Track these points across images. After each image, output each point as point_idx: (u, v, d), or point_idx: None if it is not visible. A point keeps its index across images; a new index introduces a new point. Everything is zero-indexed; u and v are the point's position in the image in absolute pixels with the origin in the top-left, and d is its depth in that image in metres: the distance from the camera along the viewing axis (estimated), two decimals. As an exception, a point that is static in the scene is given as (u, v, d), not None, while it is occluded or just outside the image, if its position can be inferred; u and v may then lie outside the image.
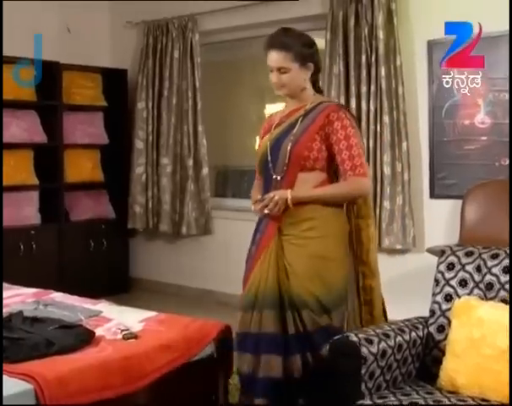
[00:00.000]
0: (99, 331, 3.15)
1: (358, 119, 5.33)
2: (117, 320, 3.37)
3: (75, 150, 6.62)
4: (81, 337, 3.00)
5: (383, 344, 2.75)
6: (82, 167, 6.67)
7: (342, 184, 3.06)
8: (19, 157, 6.17)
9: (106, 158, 6.88)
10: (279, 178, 3.08)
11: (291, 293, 2.98)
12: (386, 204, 5.27)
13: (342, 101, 5.38)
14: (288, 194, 3.00)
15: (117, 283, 6.74)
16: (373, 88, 5.27)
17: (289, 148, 3.04)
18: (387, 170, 5.25)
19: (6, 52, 5.59)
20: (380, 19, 5.19)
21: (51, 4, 6.64)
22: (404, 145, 5.21)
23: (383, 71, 5.21)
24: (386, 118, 5.23)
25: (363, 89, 5.32)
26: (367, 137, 5.31)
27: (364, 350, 2.68)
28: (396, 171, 5.24)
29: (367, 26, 5.27)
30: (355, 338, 2.72)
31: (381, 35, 5.19)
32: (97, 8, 7.11)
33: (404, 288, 5.26)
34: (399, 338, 2.84)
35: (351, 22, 5.33)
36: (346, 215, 3.18)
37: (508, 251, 2.94)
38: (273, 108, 4.89)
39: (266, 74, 3.21)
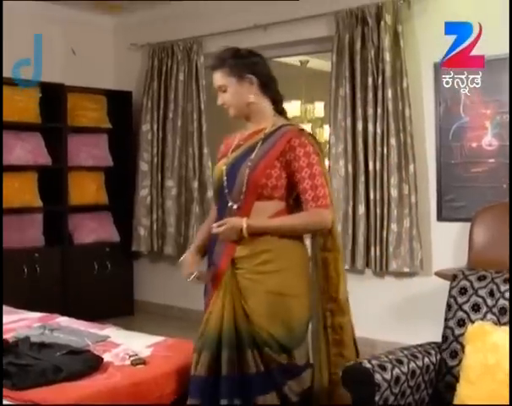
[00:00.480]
0: (107, 357, 3.12)
1: (365, 141, 5.34)
2: (124, 345, 3.34)
3: (79, 173, 6.61)
4: (89, 363, 2.97)
5: (396, 370, 2.70)
6: (86, 189, 6.66)
7: (303, 215, 2.80)
8: (23, 179, 6.16)
9: (111, 180, 6.87)
10: (235, 206, 2.82)
11: (250, 331, 2.74)
12: (393, 226, 5.23)
13: (349, 123, 5.38)
14: (243, 222, 2.74)
15: (121, 306, 6.71)
16: (379, 110, 5.26)
17: (246, 174, 2.79)
18: (394, 192, 5.22)
19: (8, 73, 5.56)
20: (387, 41, 5.19)
21: (56, 26, 6.66)
22: (411, 167, 5.19)
23: (389, 93, 5.20)
24: (393, 141, 5.21)
25: (370, 111, 5.30)
26: (374, 159, 5.29)
27: (378, 377, 2.63)
28: (403, 193, 5.21)
29: (374, 48, 5.27)
30: (368, 365, 2.66)
31: (387, 57, 5.19)
32: (102, 30, 7.14)
33: (411, 312, 5.24)
34: (412, 364, 2.79)
35: (358, 44, 5.34)
36: (312, 247, 2.94)
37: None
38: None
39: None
